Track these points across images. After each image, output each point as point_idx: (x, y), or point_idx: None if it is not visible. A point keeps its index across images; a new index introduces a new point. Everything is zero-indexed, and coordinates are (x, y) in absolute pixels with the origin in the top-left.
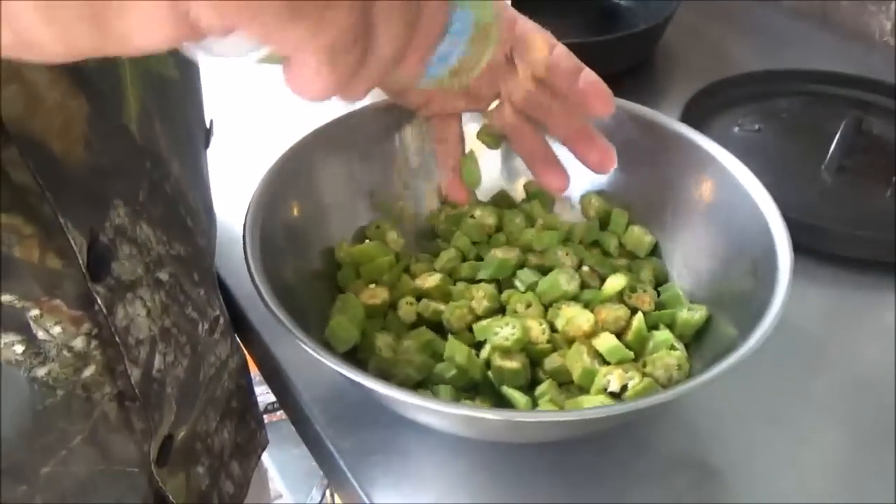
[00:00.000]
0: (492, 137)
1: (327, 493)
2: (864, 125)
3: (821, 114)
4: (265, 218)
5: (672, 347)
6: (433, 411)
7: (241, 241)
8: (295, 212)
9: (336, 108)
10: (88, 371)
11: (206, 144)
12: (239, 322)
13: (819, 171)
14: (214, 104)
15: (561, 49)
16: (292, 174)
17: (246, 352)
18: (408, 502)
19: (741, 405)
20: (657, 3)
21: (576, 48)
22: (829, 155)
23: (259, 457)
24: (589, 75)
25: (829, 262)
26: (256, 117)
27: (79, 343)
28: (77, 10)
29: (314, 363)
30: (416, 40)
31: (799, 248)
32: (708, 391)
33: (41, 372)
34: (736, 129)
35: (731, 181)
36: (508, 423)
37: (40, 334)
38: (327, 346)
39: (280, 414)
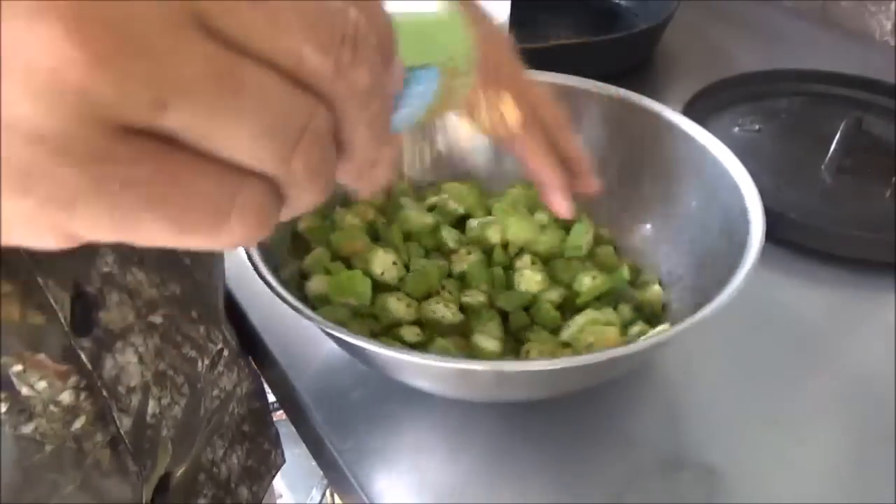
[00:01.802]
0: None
1: (327, 493)
2: (864, 125)
3: (821, 114)
4: None
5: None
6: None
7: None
8: None
9: None
10: (79, 423)
11: None
12: (238, 323)
13: (819, 171)
14: None
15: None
16: None
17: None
18: (408, 502)
19: (741, 405)
20: (657, 3)
21: (576, 48)
22: (829, 155)
23: (273, 477)
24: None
25: (829, 262)
26: None
27: (66, 397)
28: None
29: (314, 363)
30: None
31: (799, 248)
32: (708, 391)
33: (27, 429)
34: (736, 129)
35: (709, 159)
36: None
37: (24, 390)
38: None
39: (280, 414)
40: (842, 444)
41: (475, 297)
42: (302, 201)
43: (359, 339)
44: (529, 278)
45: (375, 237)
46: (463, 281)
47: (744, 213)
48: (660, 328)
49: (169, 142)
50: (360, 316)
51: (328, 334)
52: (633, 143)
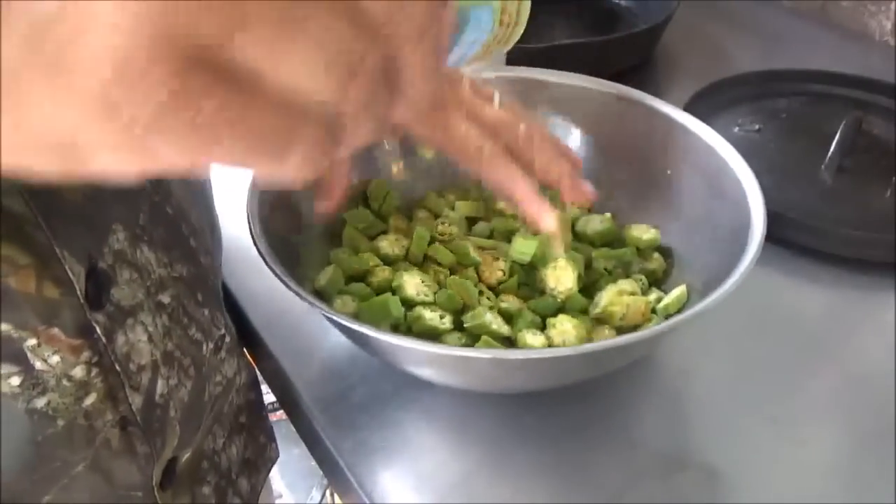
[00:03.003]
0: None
1: (327, 493)
2: (864, 125)
3: (821, 114)
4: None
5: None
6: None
7: (248, 244)
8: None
9: None
10: (90, 399)
11: None
12: (239, 322)
13: (819, 171)
14: None
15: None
16: None
17: (247, 352)
18: (408, 502)
19: (741, 405)
20: (657, 3)
21: (576, 48)
22: (829, 155)
23: (269, 471)
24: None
25: (829, 262)
26: None
27: (79, 372)
28: (45, 154)
29: (314, 362)
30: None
31: (799, 248)
32: (708, 390)
33: (40, 403)
34: (736, 129)
35: (712, 154)
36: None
37: (38, 364)
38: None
39: (280, 414)
40: (842, 444)
41: (513, 304)
42: (357, 135)
43: (368, 328)
44: (551, 276)
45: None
46: (495, 289)
47: (746, 210)
48: (676, 292)
49: (237, 81)
50: (396, 329)
51: (338, 325)
52: (635, 141)
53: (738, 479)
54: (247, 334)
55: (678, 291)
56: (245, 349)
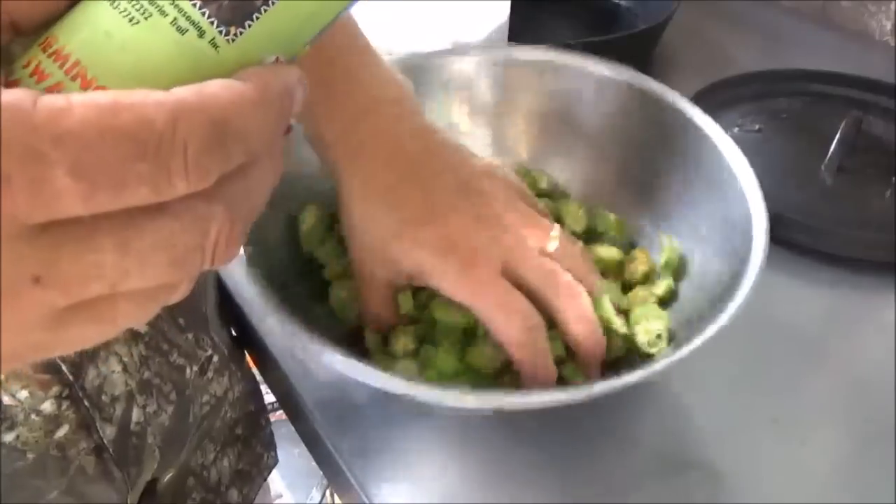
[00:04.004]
0: None
1: (327, 493)
2: (864, 125)
3: (821, 114)
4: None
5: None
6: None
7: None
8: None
9: None
10: (62, 431)
11: None
12: (238, 324)
13: (819, 171)
14: None
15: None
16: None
17: (247, 354)
18: (408, 502)
19: (742, 405)
20: (657, 3)
21: (576, 48)
22: (829, 155)
23: (265, 479)
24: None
25: (829, 262)
26: None
27: (48, 406)
28: None
29: (314, 363)
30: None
31: (799, 248)
32: (709, 391)
33: (8, 437)
34: (736, 129)
35: (714, 152)
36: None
37: (5, 399)
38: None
39: (280, 414)
40: (843, 445)
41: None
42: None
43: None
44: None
45: None
46: None
47: (747, 216)
48: (665, 252)
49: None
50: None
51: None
52: (640, 131)
53: (739, 479)
54: (246, 337)
55: (668, 248)
56: (245, 352)
